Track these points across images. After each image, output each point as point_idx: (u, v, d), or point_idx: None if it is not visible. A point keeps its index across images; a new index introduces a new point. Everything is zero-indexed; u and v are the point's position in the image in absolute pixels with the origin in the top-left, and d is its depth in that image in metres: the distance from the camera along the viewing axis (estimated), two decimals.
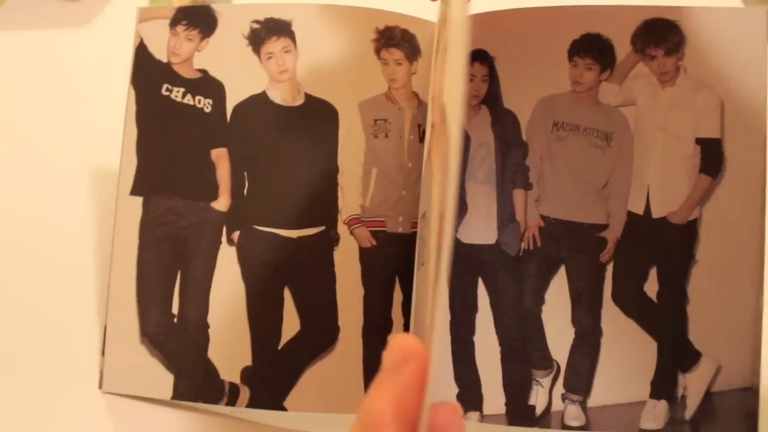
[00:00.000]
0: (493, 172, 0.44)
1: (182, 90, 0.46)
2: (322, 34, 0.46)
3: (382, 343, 0.44)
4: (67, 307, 0.48)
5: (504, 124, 0.44)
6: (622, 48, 0.42)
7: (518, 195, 0.43)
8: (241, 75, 0.46)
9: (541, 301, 0.43)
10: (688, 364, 0.41)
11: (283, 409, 0.44)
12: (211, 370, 0.44)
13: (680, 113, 0.42)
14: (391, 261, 0.45)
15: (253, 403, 0.44)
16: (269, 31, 0.46)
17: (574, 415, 0.41)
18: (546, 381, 0.42)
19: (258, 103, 0.46)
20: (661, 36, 0.41)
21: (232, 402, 0.44)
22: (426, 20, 0.46)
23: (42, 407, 0.44)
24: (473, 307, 0.43)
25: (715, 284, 0.41)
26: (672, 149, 0.42)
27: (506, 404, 0.42)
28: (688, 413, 0.41)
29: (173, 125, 0.46)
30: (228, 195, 0.46)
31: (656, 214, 0.42)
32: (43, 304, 0.49)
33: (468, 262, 0.44)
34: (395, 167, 0.45)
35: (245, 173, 0.46)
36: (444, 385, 0.43)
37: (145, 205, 0.46)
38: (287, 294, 0.45)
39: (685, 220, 0.41)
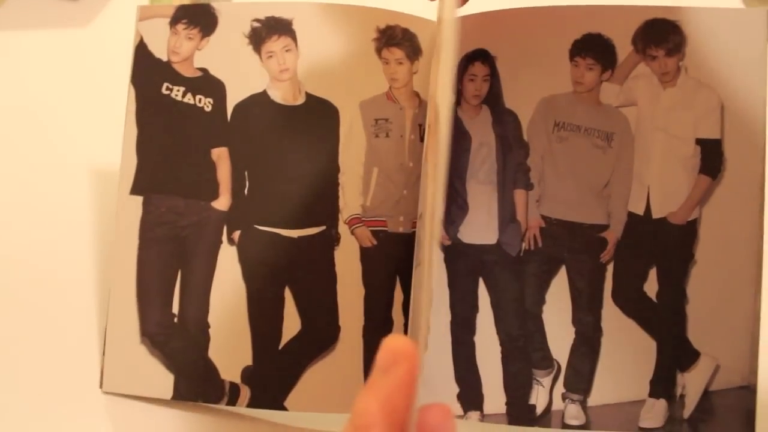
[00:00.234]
0: (494, 172, 0.44)
1: (182, 89, 0.46)
2: (323, 33, 0.45)
3: None
4: (68, 306, 0.48)
5: (505, 124, 0.44)
6: (623, 48, 0.42)
7: (519, 195, 0.43)
8: (241, 74, 0.46)
9: (541, 301, 0.43)
10: (686, 363, 0.41)
11: (284, 408, 0.43)
12: (211, 370, 0.44)
13: (681, 114, 0.42)
14: (392, 261, 0.44)
15: (253, 403, 0.44)
16: (270, 30, 0.46)
17: (574, 415, 0.41)
18: (546, 380, 0.42)
19: (259, 102, 0.46)
20: (662, 36, 0.41)
21: (232, 402, 0.44)
22: (427, 19, 0.46)
23: (42, 407, 0.44)
24: (474, 307, 0.43)
25: (713, 284, 0.41)
26: (672, 150, 0.42)
27: (507, 404, 0.42)
28: (687, 412, 0.41)
29: (174, 124, 0.46)
30: (228, 194, 0.45)
31: (656, 214, 0.42)
32: (43, 303, 0.48)
33: (469, 262, 0.44)
34: (396, 167, 0.45)
35: (246, 173, 0.46)
36: (444, 385, 0.43)
37: (145, 204, 0.45)
38: (288, 294, 0.45)
39: (684, 221, 0.42)
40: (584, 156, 0.43)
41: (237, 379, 0.44)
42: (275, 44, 0.46)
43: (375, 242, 0.45)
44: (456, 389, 0.43)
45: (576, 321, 0.42)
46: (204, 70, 0.46)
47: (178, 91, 0.46)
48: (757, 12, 0.41)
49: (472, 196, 0.44)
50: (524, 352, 0.42)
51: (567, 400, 0.42)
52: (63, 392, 0.45)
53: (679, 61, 0.41)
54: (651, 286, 0.42)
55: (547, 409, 0.42)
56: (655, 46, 0.42)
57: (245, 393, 0.44)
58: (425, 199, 0.36)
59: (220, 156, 0.46)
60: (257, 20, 0.46)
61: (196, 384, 0.44)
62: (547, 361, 0.42)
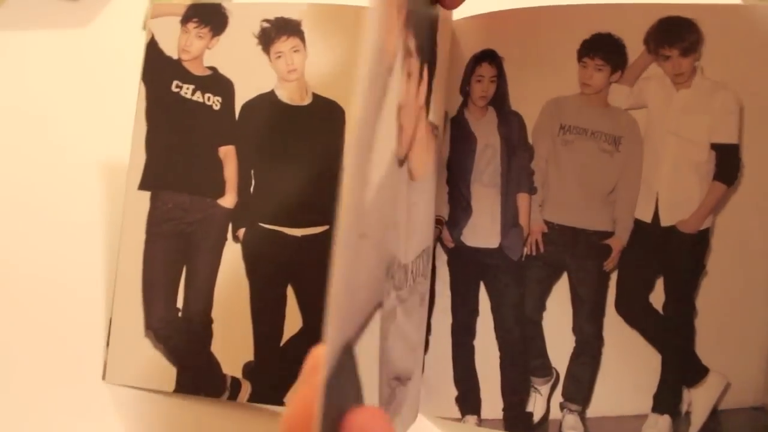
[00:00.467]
0: (498, 175, 0.43)
1: (192, 87, 0.47)
2: (332, 34, 0.45)
3: None
4: (73, 298, 0.49)
5: (510, 126, 0.43)
6: (634, 48, 0.40)
7: (522, 199, 0.42)
8: (250, 73, 0.46)
9: (542, 307, 0.41)
10: (694, 379, 0.39)
11: (284, 404, 0.44)
12: (213, 365, 0.45)
13: (695, 117, 0.40)
14: None
15: (254, 398, 0.44)
16: (279, 31, 0.46)
17: (572, 425, 0.40)
18: (544, 389, 0.41)
19: (266, 101, 0.46)
20: (676, 35, 0.39)
21: (233, 396, 0.44)
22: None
23: (45, 397, 0.45)
24: (474, 311, 0.43)
25: (725, 297, 0.39)
26: (684, 155, 0.40)
27: (504, 410, 0.41)
28: (693, 430, 0.39)
29: (182, 122, 0.47)
30: (234, 192, 0.46)
31: (665, 222, 0.40)
32: (49, 295, 0.49)
33: (471, 266, 0.43)
34: None
35: (252, 171, 0.46)
36: (443, 387, 0.42)
37: (153, 200, 0.46)
38: (290, 291, 0.45)
39: (696, 230, 0.40)
40: (590, 160, 0.41)
41: (238, 374, 0.44)
42: (284, 45, 0.46)
43: None
44: (455, 392, 0.42)
45: (577, 329, 0.41)
46: (213, 69, 0.47)
47: (187, 89, 0.47)
48: None
49: (476, 198, 0.43)
50: (522, 359, 0.41)
51: (565, 410, 0.41)
52: (66, 383, 0.46)
53: (695, 61, 0.39)
54: (657, 297, 0.40)
55: (545, 417, 0.41)
56: (669, 46, 0.40)
57: (246, 388, 0.44)
58: None
59: (227, 154, 0.46)
60: (267, 21, 0.46)
61: (198, 378, 0.45)
62: (545, 369, 0.41)
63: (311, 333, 0.44)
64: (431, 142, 0.41)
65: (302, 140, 0.46)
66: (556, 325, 0.41)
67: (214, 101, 0.47)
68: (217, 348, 0.45)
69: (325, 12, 0.46)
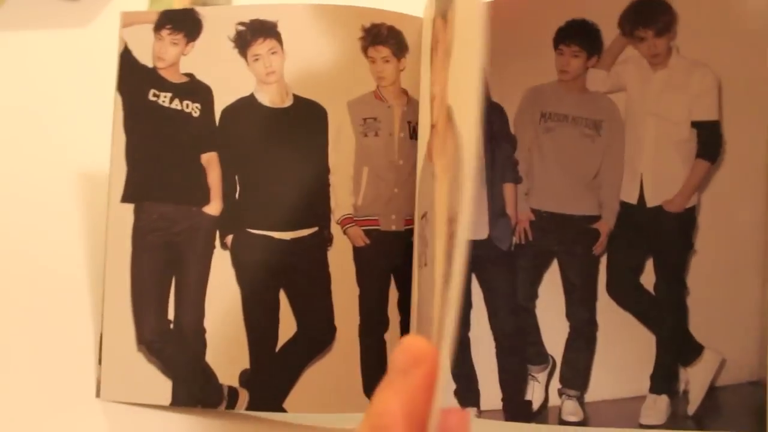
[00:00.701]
0: (483, 167, 0.43)
1: (169, 95, 0.46)
2: (309, 34, 0.45)
3: (379, 342, 0.44)
4: (62, 316, 0.48)
5: (492, 118, 0.43)
6: (610, 32, 0.40)
7: (508, 189, 0.42)
8: (228, 78, 0.46)
9: (534, 295, 0.41)
10: (689, 357, 0.39)
11: (283, 410, 0.43)
12: (209, 375, 0.44)
13: (673, 96, 0.40)
14: (386, 259, 0.44)
15: (252, 406, 0.44)
16: (255, 33, 0.45)
17: (571, 411, 0.40)
18: (542, 376, 0.41)
19: (246, 105, 0.45)
20: (650, 16, 0.39)
21: (231, 406, 0.44)
22: (413, 16, 0.45)
23: (40, 418, 0.44)
24: (467, 303, 0.42)
25: (716, 274, 0.39)
26: (666, 134, 0.40)
27: (503, 400, 0.41)
28: (691, 408, 0.39)
29: (162, 131, 0.46)
30: (219, 199, 0.45)
31: (651, 202, 0.40)
32: (37, 313, 0.48)
33: None
34: (386, 165, 0.44)
35: (236, 177, 0.45)
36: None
37: (136, 211, 0.46)
38: (282, 296, 0.44)
39: (681, 208, 0.40)
40: (573, 146, 0.41)
41: (235, 383, 0.44)
42: (261, 47, 0.45)
43: (368, 241, 0.44)
44: (453, 386, 0.42)
45: (570, 315, 0.41)
46: (190, 75, 0.46)
47: (165, 97, 0.46)
48: None
49: None
50: (518, 348, 0.41)
51: (564, 396, 0.41)
52: (60, 402, 0.45)
53: (670, 41, 0.40)
54: (648, 278, 0.40)
55: (544, 405, 0.41)
56: (644, 27, 0.40)
57: (244, 396, 0.44)
58: (432, 200, 0.35)
59: (210, 161, 0.46)
60: (242, 23, 0.46)
61: (195, 389, 0.44)
62: (541, 357, 0.41)
63: (306, 337, 0.44)
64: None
65: (285, 142, 0.45)
66: (550, 312, 0.41)
67: (193, 108, 0.46)
68: (211, 358, 0.44)
69: (302, 12, 0.45)
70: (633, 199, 0.41)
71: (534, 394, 0.41)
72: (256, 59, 0.45)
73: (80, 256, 0.51)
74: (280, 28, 0.45)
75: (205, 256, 0.45)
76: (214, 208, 0.45)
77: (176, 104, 0.46)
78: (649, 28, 0.40)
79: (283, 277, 0.45)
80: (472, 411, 0.42)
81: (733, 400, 0.39)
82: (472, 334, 0.42)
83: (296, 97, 0.45)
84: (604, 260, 0.41)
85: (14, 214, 0.52)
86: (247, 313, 0.44)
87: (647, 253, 0.40)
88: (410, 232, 0.44)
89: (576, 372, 0.41)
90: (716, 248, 0.39)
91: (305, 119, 0.45)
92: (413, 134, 0.44)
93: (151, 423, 0.44)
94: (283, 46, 0.45)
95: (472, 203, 0.25)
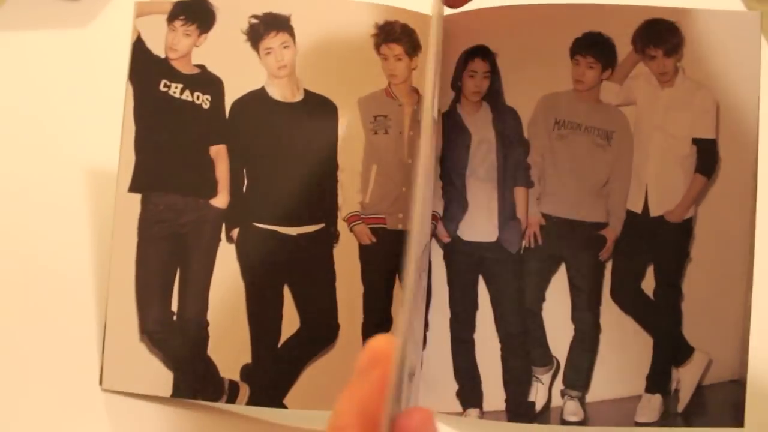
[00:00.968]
0: (495, 170, 0.43)
1: (180, 86, 0.45)
2: (322, 29, 0.45)
3: None
4: (66, 304, 0.47)
5: (505, 121, 0.43)
6: (623, 47, 0.42)
7: (519, 193, 0.43)
8: (239, 70, 0.45)
9: (541, 298, 0.42)
10: (681, 358, 0.41)
11: (283, 406, 0.43)
12: (210, 368, 0.43)
13: (678, 114, 0.42)
14: (391, 258, 0.44)
15: (252, 401, 0.43)
16: (268, 27, 0.45)
17: (573, 411, 0.41)
18: (546, 377, 0.42)
19: (257, 99, 0.45)
20: (661, 36, 0.41)
21: (231, 399, 0.43)
22: (426, 15, 0.45)
23: (42, 405, 0.43)
24: (474, 305, 0.43)
25: (707, 281, 0.41)
26: (670, 149, 0.42)
27: (506, 401, 0.42)
28: (681, 406, 0.41)
29: (172, 121, 0.45)
30: (227, 192, 0.45)
31: (654, 212, 0.42)
32: (42, 301, 0.47)
33: (469, 260, 0.43)
34: (395, 164, 0.44)
35: (244, 170, 0.45)
36: (444, 382, 0.43)
37: (143, 202, 0.44)
38: (287, 291, 0.44)
39: (681, 219, 0.41)
40: (584, 154, 0.42)
41: (236, 377, 0.43)
42: (273, 41, 0.45)
43: (374, 239, 0.44)
44: (455, 386, 0.43)
45: (575, 318, 0.42)
46: (202, 67, 0.45)
47: (176, 88, 0.45)
48: (751, 15, 0.41)
49: (472, 193, 0.43)
50: (524, 350, 0.42)
51: (566, 397, 0.42)
52: (62, 390, 0.44)
53: (677, 61, 0.41)
54: (648, 284, 0.42)
55: (546, 405, 0.42)
56: (654, 46, 0.41)
57: (244, 391, 0.43)
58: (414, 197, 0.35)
59: (219, 153, 0.45)
60: (255, 16, 0.45)
61: (196, 382, 0.43)
62: (546, 358, 0.42)
63: (309, 333, 0.44)
64: (437, 136, 0.42)
65: (294, 137, 0.45)
66: (555, 315, 0.42)
67: (204, 99, 0.45)
68: (213, 351, 0.43)
69: (315, 7, 0.45)
70: (638, 209, 0.42)
71: (537, 395, 0.42)
72: (268, 53, 0.45)
73: (85, 246, 0.50)
74: (293, 22, 0.45)
75: (211, 249, 0.44)
76: (221, 200, 0.45)
77: (187, 95, 0.45)
78: (660, 47, 0.41)
79: (288, 273, 0.44)
80: (474, 412, 0.42)
81: (717, 398, 0.41)
82: (477, 336, 0.43)
83: (307, 92, 0.45)
84: (609, 266, 0.42)
85: (17, 210, 0.52)
86: (251, 307, 0.44)
87: (649, 260, 0.42)
88: None
89: (579, 373, 0.41)
90: (709, 257, 0.41)
91: (315, 114, 0.45)
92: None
93: (152, 414, 0.43)
94: (296, 40, 0.45)
95: (423, 203, 0.25)
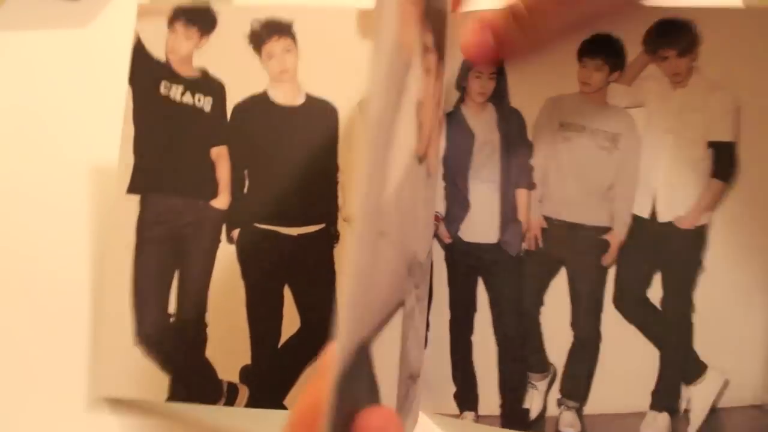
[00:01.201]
0: (497, 171, 0.42)
1: (181, 88, 0.45)
2: (324, 34, 0.44)
3: None
4: (60, 307, 0.47)
5: (510, 122, 0.42)
6: (633, 48, 0.39)
7: (521, 194, 0.41)
8: (241, 74, 0.44)
9: (540, 302, 0.41)
10: (692, 375, 0.38)
11: (283, 407, 0.43)
12: (209, 370, 0.43)
13: (691, 115, 0.39)
14: None
15: (252, 403, 0.43)
16: (271, 31, 0.44)
17: (569, 422, 0.40)
18: (542, 384, 0.40)
19: (258, 102, 0.44)
20: (674, 36, 0.39)
21: (230, 402, 0.43)
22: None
23: (33, 413, 0.43)
24: (472, 307, 0.42)
25: (724, 294, 0.38)
26: (682, 152, 0.39)
27: (501, 406, 0.41)
28: (692, 428, 0.38)
29: (172, 123, 0.45)
30: (228, 193, 0.44)
31: (663, 218, 0.39)
32: (35, 302, 0.47)
33: (469, 261, 0.42)
34: None
35: (245, 171, 0.44)
36: (442, 383, 0.42)
37: (142, 203, 0.44)
38: (287, 292, 0.43)
39: (693, 225, 0.39)
40: (589, 157, 0.40)
41: (235, 379, 0.43)
42: (276, 45, 0.44)
43: None
44: (453, 388, 0.41)
45: (574, 325, 0.40)
46: (203, 70, 0.45)
47: (176, 90, 0.45)
48: None
49: (474, 194, 0.42)
50: (520, 354, 0.41)
51: (562, 406, 0.40)
52: (54, 397, 0.44)
53: (692, 61, 0.39)
54: (656, 293, 0.39)
55: (542, 414, 0.40)
56: (667, 47, 0.39)
57: (244, 392, 0.43)
58: None
59: (220, 154, 0.44)
60: (257, 21, 0.44)
61: (193, 385, 0.43)
62: (542, 365, 0.40)
63: (310, 333, 0.43)
64: (441, 136, 0.41)
65: (296, 140, 0.44)
66: (554, 321, 0.40)
67: (205, 102, 0.45)
68: (212, 353, 0.43)
69: (319, 13, 0.44)
70: (645, 214, 0.40)
71: (532, 402, 0.40)
72: (271, 57, 0.44)
73: (83, 247, 0.49)
74: (296, 28, 0.44)
75: (211, 250, 0.44)
76: (222, 201, 0.44)
77: (188, 98, 0.45)
78: (672, 47, 0.39)
79: (288, 273, 0.44)
80: (470, 415, 0.41)
81: (735, 423, 0.38)
82: (474, 338, 0.41)
83: (308, 96, 0.44)
84: (612, 272, 0.40)
85: (14, 210, 0.51)
86: (251, 308, 0.43)
87: (655, 267, 0.40)
88: None
89: (577, 383, 0.40)
90: (725, 268, 0.38)
91: (316, 118, 0.44)
92: None
93: (147, 418, 0.43)
94: (298, 45, 0.44)
95: (362, 206, 0.24)
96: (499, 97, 0.42)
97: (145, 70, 0.45)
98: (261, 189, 0.44)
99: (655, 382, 0.39)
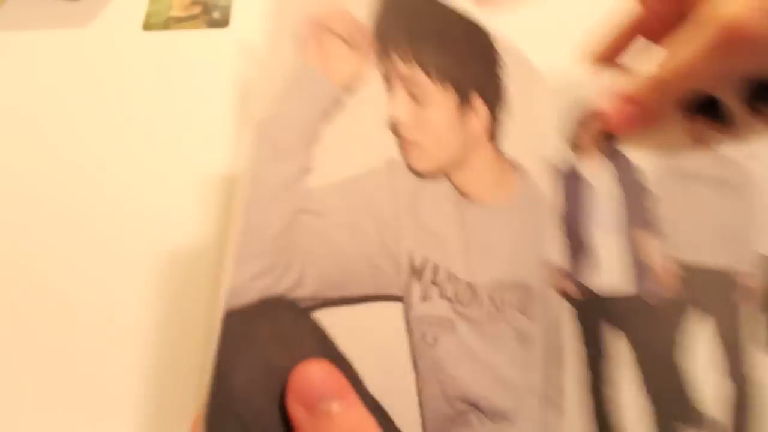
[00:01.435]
0: (622, 220, 0.41)
1: None
2: None
3: None
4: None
5: (628, 172, 0.42)
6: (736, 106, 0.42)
7: (650, 241, 0.40)
8: None
9: (688, 352, 0.39)
10: None
11: None
12: None
13: None
14: None
15: None
16: None
17: None
18: None
19: None
20: None
21: None
22: None
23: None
24: (613, 362, 0.39)
25: None
26: None
27: None
28: None
29: None
30: None
31: None
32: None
33: (605, 316, 0.39)
34: None
35: None
36: None
37: None
38: None
39: None
40: (713, 202, 0.41)
41: None
42: None
43: None
44: None
45: (731, 374, 0.39)
46: None
47: None
48: None
49: (602, 246, 0.40)
50: (674, 409, 0.38)
51: None
52: None
53: None
54: None
55: None
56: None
57: None
58: None
59: None
60: None
61: None
62: (699, 418, 0.38)
63: None
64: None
65: None
66: (702, 370, 0.38)
67: None
68: None
69: None
70: None
71: None
72: None
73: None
74: None
75: None
76: None
77: None
78: None
79: None
80: None
81: None
82: (620, 395, 0.38)
83: None
84: (763, 317, 0.39)
85: (12, 209, 0.50)
86: None
87: None
88: None
89: None
90: None
91: None
92: None
93: None
94: None
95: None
96: (613, 149, 0.42)
97: None
98: None
99: None
